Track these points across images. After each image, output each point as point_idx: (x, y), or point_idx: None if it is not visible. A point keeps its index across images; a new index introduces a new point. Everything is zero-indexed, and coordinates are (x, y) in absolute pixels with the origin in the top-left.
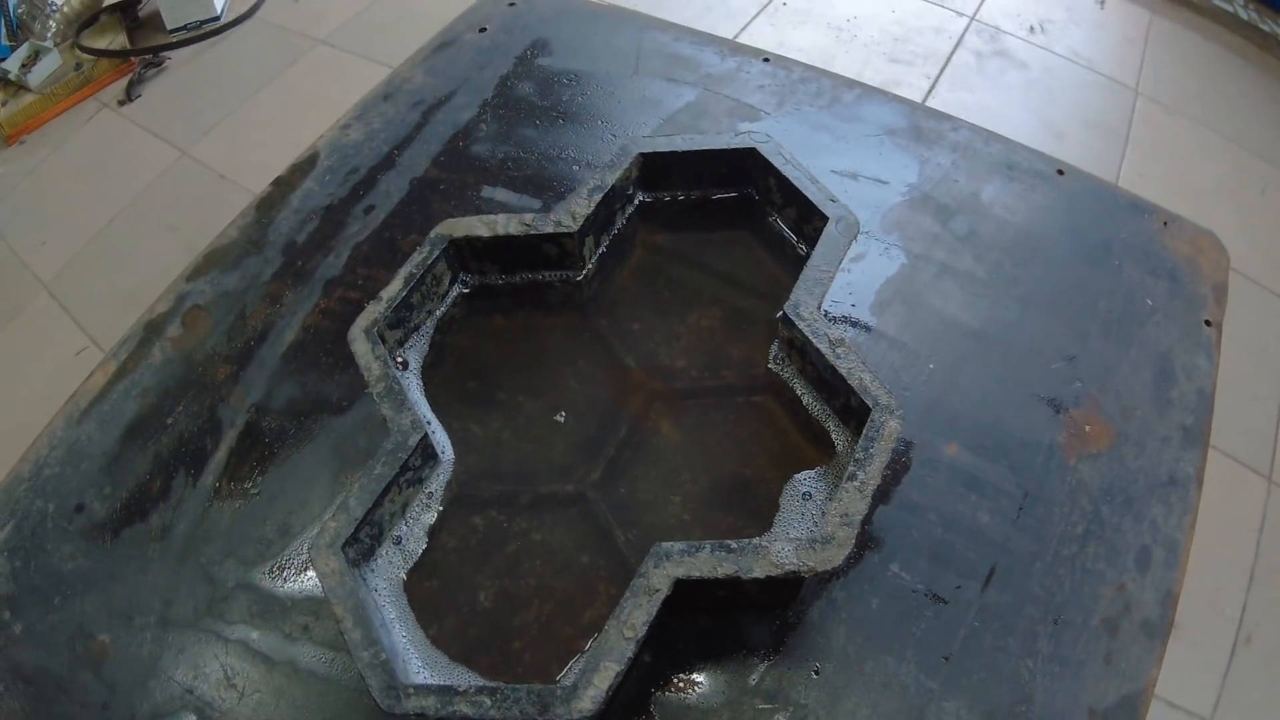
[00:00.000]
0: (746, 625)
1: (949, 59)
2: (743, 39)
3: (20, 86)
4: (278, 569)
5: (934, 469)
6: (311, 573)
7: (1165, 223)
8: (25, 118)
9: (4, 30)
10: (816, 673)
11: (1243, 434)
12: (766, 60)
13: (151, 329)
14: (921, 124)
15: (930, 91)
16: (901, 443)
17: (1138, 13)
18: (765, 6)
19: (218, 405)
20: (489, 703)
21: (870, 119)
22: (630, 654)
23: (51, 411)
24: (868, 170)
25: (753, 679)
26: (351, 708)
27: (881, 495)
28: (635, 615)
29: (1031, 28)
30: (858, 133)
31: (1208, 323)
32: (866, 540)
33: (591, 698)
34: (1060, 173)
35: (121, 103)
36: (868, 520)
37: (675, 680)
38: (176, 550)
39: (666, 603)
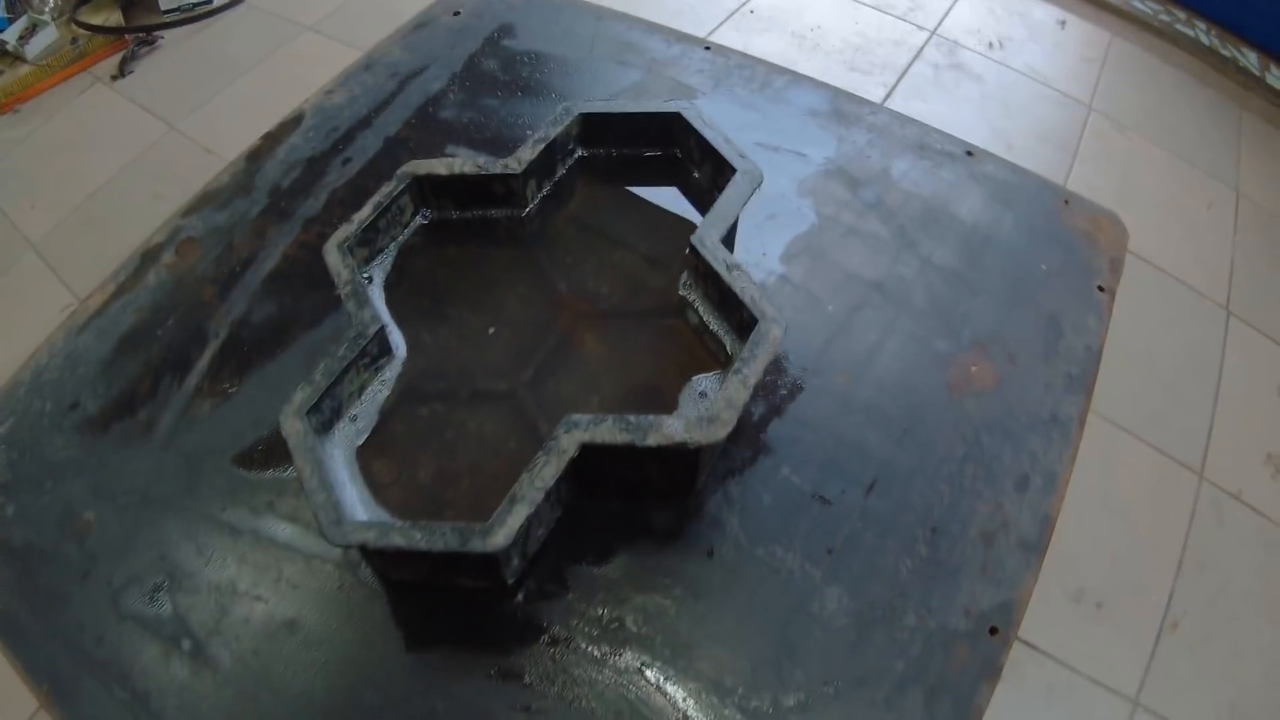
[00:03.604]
0: (650, 511)
1: (907, 69)
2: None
3: (17, 58)
4: (249, 455)
5: (825, 394)
6: (278, 458)
7: (1066, 201)
8: (20, 87)
9: (3, 3)
10: (710, 554)
11: (1177, 433)
12: (708, 49)
13: (148, 256)
14: (843, 107)
15: (886, 99)
16: (798, 369)
17: (1098, 34)
18: (733, 13)
19: (204, 320)
20: (419, 535)
21: (796, 101)
22: (538, 500)
23: None
24: (789, 145)
25: (653, 557)
26: (307, 571)
27: (776, 410)
28: (545, 471)
29: (990, 43)
30: (783, 113)
31: (1100, 288)
32: (760, 446)
33: (504, 534)
34: (969, 154)
35: (114, 78)
36: (762, 429)
37: (586, 555)
38: (160, 440)
39: (576, 470)
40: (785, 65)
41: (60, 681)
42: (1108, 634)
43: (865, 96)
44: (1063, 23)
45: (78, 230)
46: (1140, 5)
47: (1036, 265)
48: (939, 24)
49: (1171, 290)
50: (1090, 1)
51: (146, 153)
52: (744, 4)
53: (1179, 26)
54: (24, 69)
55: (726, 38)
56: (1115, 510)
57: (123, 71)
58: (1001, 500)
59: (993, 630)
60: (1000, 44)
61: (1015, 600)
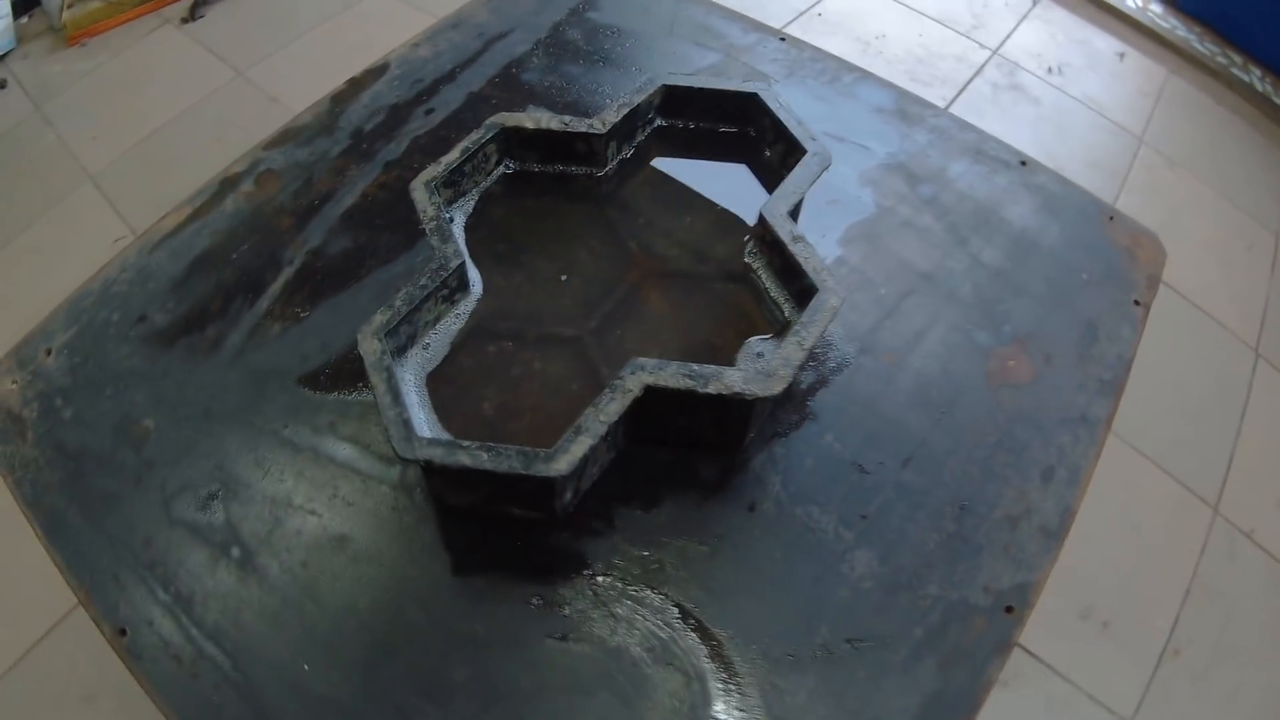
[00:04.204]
0: (699, 463)
1: (966, 85)
2: None
3: None
4: (315, 377)
5: (871, 371)
6: (344, 382)
7: (1111, 217)
8: (89, 22)
9: None
10: (751, 509)
11: (1197, 466)
12: (783, 39)
13: (227, 184)
14: (907, 108)
15: (944, 112)
16: (847, 345)
17: (1155, 69)
18: (801, 14)
19: (279, 248)
20: (485, 457)
21: (864, 97)
22: (601, 433)
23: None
24: (854, 137)
25: (697, 506)
26: (363, 491)
27: (824, 381)
28: (610, 407)
29: (1050, 68)
30: (851, 106)
31: (1136, 302)
32: (807, 412)
33: (566, 461)
34: (1023, 163)
35: (184, 20)
36: (810, 397)
37: (634, 498)
38: (227, 357)
39: (634, 414)
40: None
41: (101, 579)
42: (1111, 653)
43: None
44: (1122, 55)
45: (137, 166)
46: (1199, 46)
47: (1078, 273)
48: (1001, 44)
49: (1204, 326)
50: (1150, 37)
51: (211, 96)
52: (813, 6)
53: (1234, 70)
54: (94, 4)
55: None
56: (1130, 534)
57: (193, 15)
58: (1027, 488)
59: (1008, 609)
60: (1059, 70)
61: (1033, 582)
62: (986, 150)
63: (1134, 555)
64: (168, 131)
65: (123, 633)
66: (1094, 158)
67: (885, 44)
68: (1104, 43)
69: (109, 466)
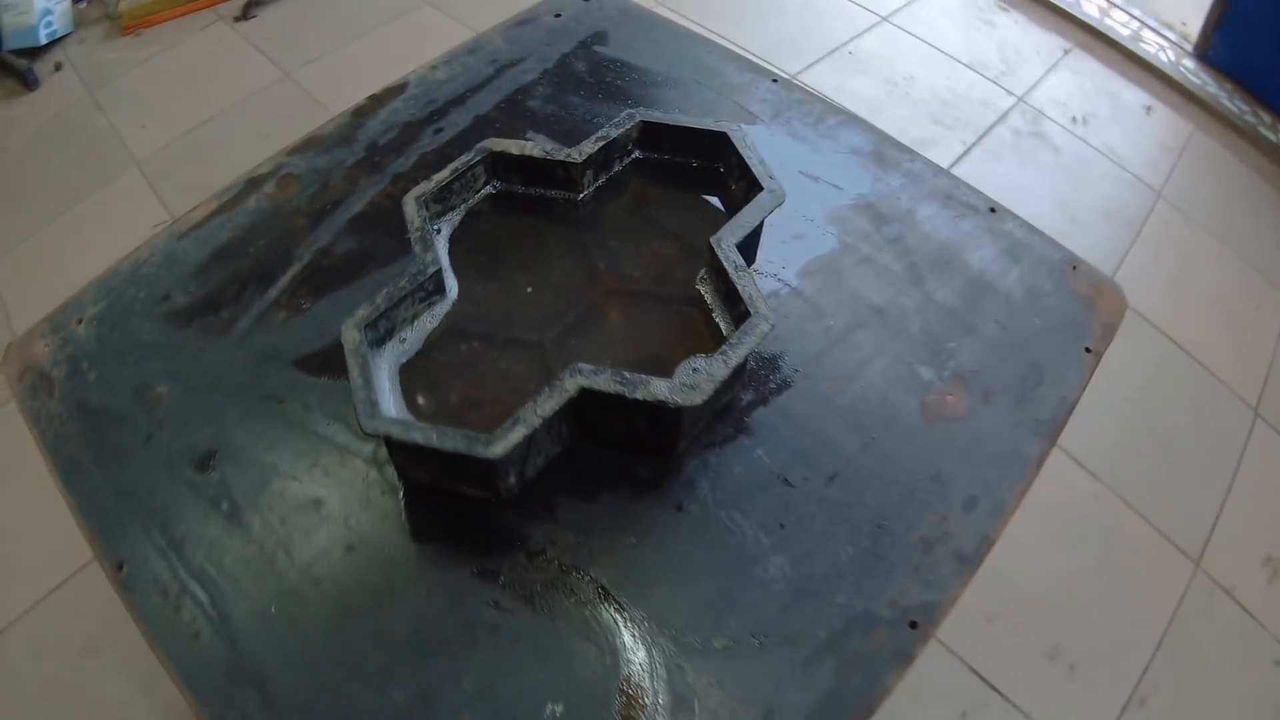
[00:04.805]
0: (636, 463)
1: (988, 130)
2: (804, 78)
3: None
4: (310, 361)
5: (811, 395)
6: (334, 368)
7: (1074, 266)
8: (144, 13)
9: None
10: (679, 508)
11: (1182, 519)
12: (775, 81)
13: (252, 183)
14: (884, 152)
15: (963, 156)
16: (791, 369)
17: (1181, 124)
18: (831, 52)
19: (292, 245)
20: (434, 435)
21: (843, 140)
22: (536, 425)
23: None
24: (828, 177)
25: (631, 501)
26: (340, 463)
27: (763, 399)
28: (547, 404)
29: (1074, 118)
30: (830, 148)
31: (1088, 349)
32: (743, 427)
33: (502, 446)
34: (992, 210)
35: (238, 19)
36: (748, 413)
37: (574, 490)
38: (236, 338)
39: (577, 413)
40: (872, 109)
41: (107, 521)
42: (1076, 696)
43: (944, 150)
44: (1149, 108)
45: (181, 156)
46: (1228, 103)
47: (1031, 319)
48: (1028, 91)
49: (1204, 382)
50: (1179, 92)
51: (258, 94)
52: (844, 44)
53: (1261, 130)
54: None
55: (821, 75)
56: (1107, 580)
57: (246, 14)
58: (947, 514)
59: (912, 624)
60: (1084, 120)
61: (940, 602)
62: (957, 195)
63: (1109, 601)
64: (214, 125)
65: (120, 567)
66: (1110, 209)
67: (912, 85)
68: (1132, 95)
69: (124, 424)
